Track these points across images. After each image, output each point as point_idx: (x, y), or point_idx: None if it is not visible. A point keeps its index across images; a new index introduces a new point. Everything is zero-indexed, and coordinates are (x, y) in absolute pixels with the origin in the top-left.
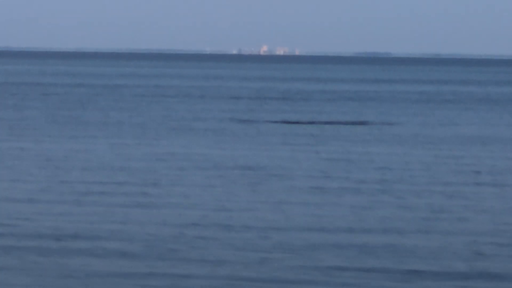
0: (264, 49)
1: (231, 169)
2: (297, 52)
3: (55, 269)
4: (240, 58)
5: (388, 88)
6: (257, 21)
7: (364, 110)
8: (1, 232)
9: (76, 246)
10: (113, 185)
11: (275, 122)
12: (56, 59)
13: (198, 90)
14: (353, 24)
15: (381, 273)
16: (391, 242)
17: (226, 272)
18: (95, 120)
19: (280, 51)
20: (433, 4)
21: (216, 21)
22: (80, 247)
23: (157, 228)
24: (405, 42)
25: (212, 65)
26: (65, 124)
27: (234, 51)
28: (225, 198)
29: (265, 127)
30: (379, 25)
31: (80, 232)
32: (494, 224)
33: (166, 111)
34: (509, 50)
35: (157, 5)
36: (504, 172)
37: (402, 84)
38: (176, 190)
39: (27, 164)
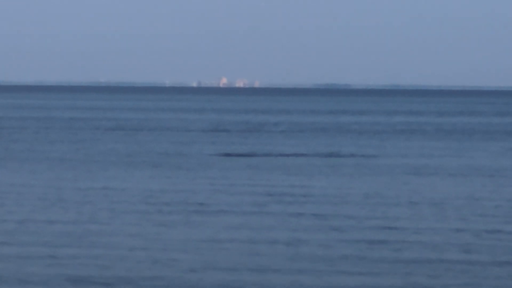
0: (223, 81)
1: (159, 203)
2: (257, 84)
3: None
4: (199, 91)
5: (341, 119)
6: (216, 53)
7: (312, 141)
8: None
9: None
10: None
11: (217, 154)
12: (12, 92)
13: (151, 122)
14: (313, 56)
15: None
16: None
17: None
18: (32, 152)
19: (239, 83)
20: (391, 35)
21: (176, 53)
22: None
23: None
24: (364, 73)
25: (170, 97)
26: (5, 159)
27: (194, 84)
28: (155, 231)
29: (205, 160)
30: (339, 56)
31: None
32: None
33: (112, 144)
34: (466, 80)
35: (115, 37)
36: (441, 203)
37: (356, 115)
38: (106, 225)
39: None
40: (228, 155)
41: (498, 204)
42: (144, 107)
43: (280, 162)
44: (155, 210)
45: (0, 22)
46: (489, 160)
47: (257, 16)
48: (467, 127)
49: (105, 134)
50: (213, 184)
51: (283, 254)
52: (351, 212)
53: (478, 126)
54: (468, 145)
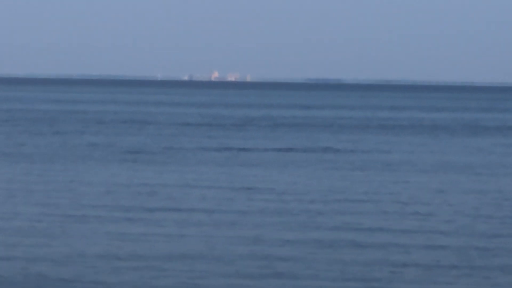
0: (215, 75)
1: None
2: (249, 78)
3: None
4: (190, 84)
5: (329, 114)
6: (208, 47)
7: (292, 136)
8: None
9: None
10: None
11: (197, 149)
12: (4, 84)
13: (137, 115)
14: (305, 50)
15: None
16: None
17: None
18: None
19: (231, 77)
20: (383, 30)
21: (167, 47)
22: None
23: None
24: (356, 68)
25: (161, 91)
26: None
27: (185, 77)
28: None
29: (182, 154)
30: (331, 51)
31: None
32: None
33: (93, 137)
34: (458, 76)
35: (108, 30)
36: (400, 201)
37: (343, 109)
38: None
39: None
40: (206, 149)
41: (464, 201)
42: (132, 100)
43: (256, 156)
44: (116, 205)
45: None
46: (464, 156)
47: (249, 10)
48: (451, 123)
49: (88, 127)
50: (182, 178)
51: (240, 253)
52: (312, 208)
53: (462, 122)
54: (448, 141)
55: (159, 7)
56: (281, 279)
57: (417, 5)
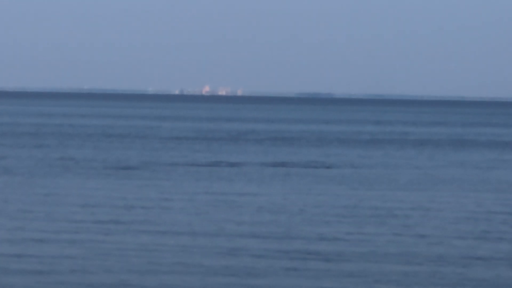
0: (206, 89)
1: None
2: (240, 92)
3: None
4: (181, 98)
5: (320, 128)
6: (199, 61)
7: (275, 150)
8: None
9: None
10: None
11: (181, 164)
12: None
13: (123, 129)
14: (296, 65)
15: None
16: None
17: None
18: None
19: (222, 91)
20: (375, 45)
21: (158, 60)
22: None
23: None
24: (347, 83)
25: (152, 105)
26: None
27: (176, 91)
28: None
29: (165, 168)
30: (322, 66)
31: None
32: None
33: (75, 150)
34: (449, 91)
35: (99, 44)
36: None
37: (334, 124)
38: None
39: None
40: (190, 164)
41: (440, 215)
42: (121, 114)
43: (242, 171)
44: (91, 219)
45: None
46: (446, 170)
47: (241, 25)
48: (439, 137)
49: (73, 140)
50: (161, 192)
51: (209, 265)
52: (286, 221)
53: (445, 137)
54: (433, 155)
55: (150, 21)
56: None
57: (409, 19)
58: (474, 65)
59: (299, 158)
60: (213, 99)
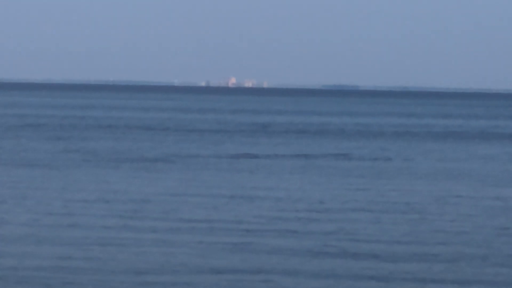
0: (232, 81)
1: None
2: (265, 84)
3: None
4: (207, 90)
5: (345, 120)
6: (225, 53)
7: (307, 142)
8: None
9: None
10: None
11: (205, 156)
12: (24, 90)
13: (152, 121)
14: (322, 57)
15: None
16: None
17: None
18: None
19: (248, 83)
20: (399, 37)
21: (185, 53)
22: None
23: None
24: (373, 75)
25: (178, 97)
26: None
27: (203, 83)
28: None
29: (186, 161)
30: (348, 57)
31: None
32: None
33: (97, 142)
34: (475, 83)
35: (124, 36)
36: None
37: (359, 116)
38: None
39: None
40: (213, 156)
41: (459, 209)
42: (146, 106)
43: (266, 163)
44: (108, 212)
45: (11, 21)
46: (468, 163)
47: (266, 17)
48: (464, 129)
49: (96, 132)
50: (180, 185)
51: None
52: (306, 216)
53: (469, 129)
54: (456, 147)
55: (176, 13)
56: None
57: (435, 13)
58: (501, 58)
59: (321, 150)
60: (239, 91)
